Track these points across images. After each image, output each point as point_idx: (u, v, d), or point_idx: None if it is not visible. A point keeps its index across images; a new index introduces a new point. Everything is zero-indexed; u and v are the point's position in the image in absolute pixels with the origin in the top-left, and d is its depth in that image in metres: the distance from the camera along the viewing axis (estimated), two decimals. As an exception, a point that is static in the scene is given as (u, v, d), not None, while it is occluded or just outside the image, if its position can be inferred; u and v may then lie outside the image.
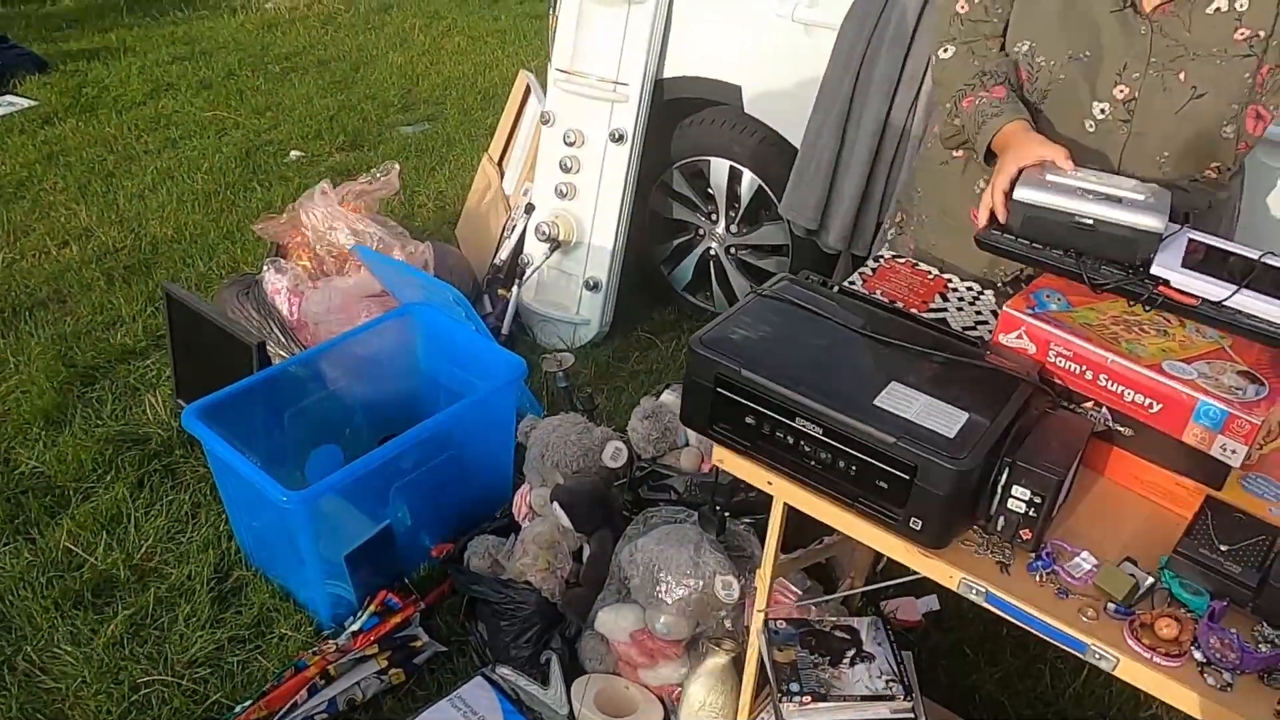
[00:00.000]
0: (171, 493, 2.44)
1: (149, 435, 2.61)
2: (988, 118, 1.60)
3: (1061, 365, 1.39)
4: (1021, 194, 1.44)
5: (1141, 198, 1.41)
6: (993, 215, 1.51)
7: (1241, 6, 1.49)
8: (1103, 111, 1.58)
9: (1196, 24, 1.51)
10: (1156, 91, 1.54)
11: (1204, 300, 1.33)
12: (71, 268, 3.36)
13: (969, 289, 1.71)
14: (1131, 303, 1.39)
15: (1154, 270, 1.36)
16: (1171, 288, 1.35)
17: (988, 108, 1.60)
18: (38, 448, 2.57)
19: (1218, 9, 1.50)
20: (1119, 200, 1.40)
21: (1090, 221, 1.39)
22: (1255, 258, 1.38)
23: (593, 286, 2.97)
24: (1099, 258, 1.40)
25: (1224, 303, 1.31)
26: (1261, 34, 1.49)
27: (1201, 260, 1.38)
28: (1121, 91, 1.57)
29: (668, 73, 2.81)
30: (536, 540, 1.98)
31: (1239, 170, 1.72)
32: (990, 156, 1.61)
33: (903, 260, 1.80)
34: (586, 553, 2.01)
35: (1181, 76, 1.53)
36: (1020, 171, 1.49)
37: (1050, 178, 1.46)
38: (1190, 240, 1.42)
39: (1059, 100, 1.61)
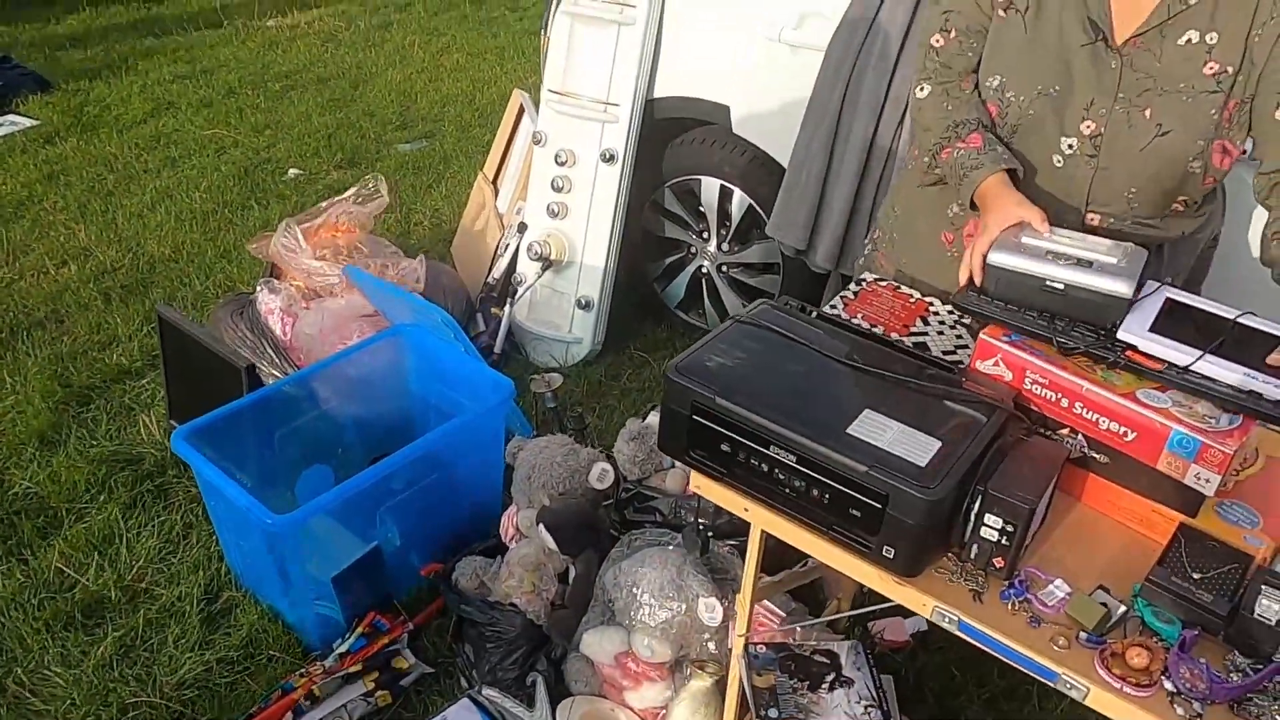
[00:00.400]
0: (163, 513, 2.45)
1: (142, 455, 2.63)
2: (967, 170, 1.62)
3: (1038, 393, 1.40)
4: (995, 258, 1.46)
5: (1113, 261, 1.42)
6: (971, 277, 1.53)
7: (1212, 39, 1.49)
8: (1070, 146, 1.60)
9: (1167, 55, 1.52)
10: (1122, 128, 1.55)
11: (1169, 364, 1.33)
12: (69, 287, 3.38)
13: (950, 313, 1.71)
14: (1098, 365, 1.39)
15: (1120, 335, 1.37)
16: (1139, 352, 1.36)
17: (966, 160, 1.62)
18: (32, 468, 2.58)
19: (1189, 40, 1.51)
20: (1090, 264, 1.41)
21: (1061, 286, 1.41)
22: (1230, 318, 1.39)
23: (585, 305, 2.99)
24: (1070, 320, 1.42)
25: (1189, 367, 1.32)
26: (1230, 69, 1.49)
27: (1173, 322, 1.39)
28: (1088, 127, 1.58)
29: (658, 93, 2.83)
30: (522, 562, 1.99)
31: (1214, 198, 1.72)
32: (975, 204, 1.63)
33: (885, 284, 1.80)
34: (572, 574, 2.01)
35: (1147, 113, 1.54)
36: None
37: (1025, 240, 1.48)
38: (1167, 299, 1.43)
39: (1028, 135, 1.63)
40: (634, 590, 1.85)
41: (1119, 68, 1.54)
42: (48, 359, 3.00)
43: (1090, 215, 1.64)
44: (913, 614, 2.13)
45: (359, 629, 2.09)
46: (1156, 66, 1.52)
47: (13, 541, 2.37)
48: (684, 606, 1.82)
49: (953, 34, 1.66)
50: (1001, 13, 1.63)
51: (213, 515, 2.29)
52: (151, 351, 3.02)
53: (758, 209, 2.79)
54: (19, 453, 2.64)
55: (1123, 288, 1.39)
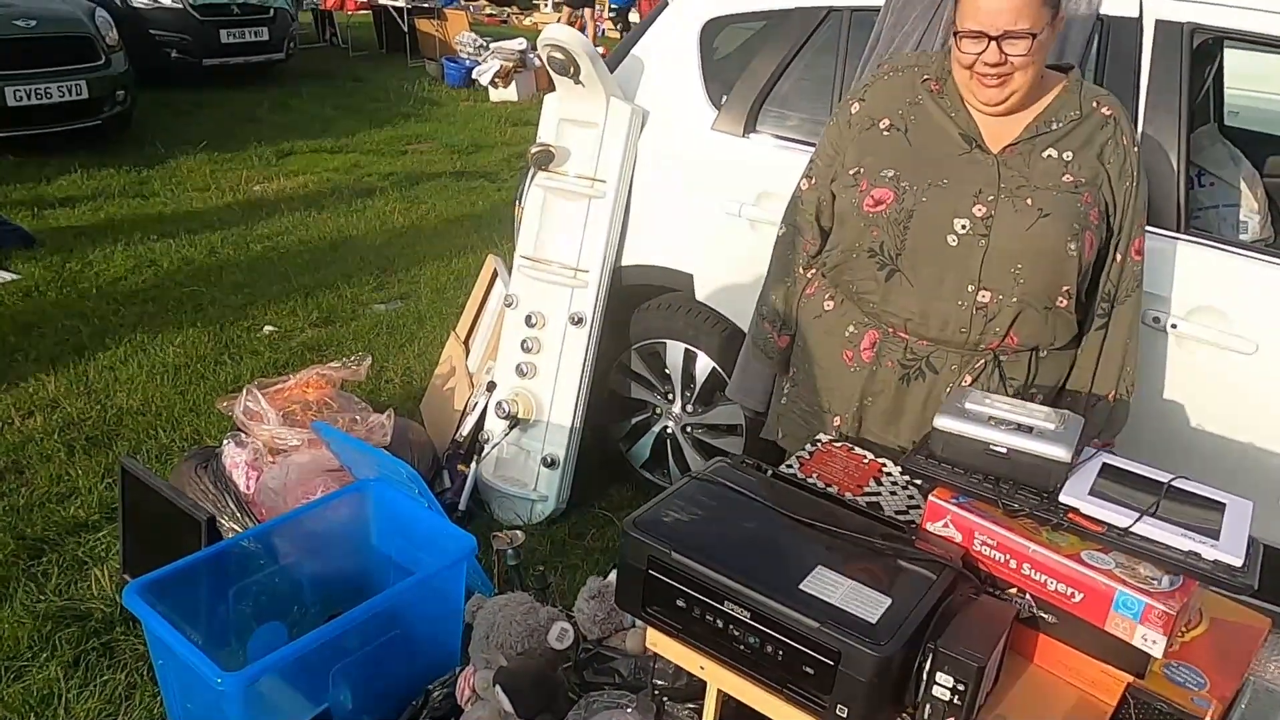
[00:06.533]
0: (108, 672, 2.37)
1: (91, 611, 2.56)
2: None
3: (987, 554, 1.44)
4: (941, 422, 1.53)
5: (1051, 427, 1.50)
6: (921, 442, 1.60)
7: (1068, 158, 1.76)
8: (964, 226, 1.77)
9: (1035, 163, 1.76)
10: (1009, 211, 1.75)
11: (1110, 526, 1.39)
12: (34, 438, 3.36)
13: (902, 473, 1.77)
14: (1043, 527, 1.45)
15: (1062, 498, 1.43)
16: (1080, 514, 1.42)
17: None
18: (-27, 624, 2.50)
19: (1049, 156, 1.76)
20: (1030, 430, 1.49)
21: (1004, 450, 1.48)
22: (1165, 481, 1.46)
23: (550, 463, 3.01)
24: (1015, 483, 1.48)
25: (1128, 529, 1.38)
26: (1083, 180, 1.75)
27: (1111, 485, 1.46)
28: (979, 210, 1.76)
29: (625, 261, 2.97)
30: (477, 726, 1.94)
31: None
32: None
33: (840, 445, 1.86)
34: (528, 739, 1.96)
35: (1029, 201, 1.75)
36: None
37: (968, 406, 1.56)
38: (1104, 464, 1.51)
39: (923, 218, 1.79)
40: (590, 756, 1.80)
41: (995, 166, 1.76)
42: (3, 510, 2.95)
43: (982, 292, 1.78)
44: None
45: (303, 798, 2.00)
46: (1027, 170, 1.76)
47: (-55, 702, 2.27)
48: (641, 773, 1.77)
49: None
50: (884, 130, 1.85)
51: (159, 674, 2.22)
52: (110, 504, 2.99)
53: (721, 372, 2.87)
54: (-38, 607, 2.57)
55: (1063, 453, 1.46)
